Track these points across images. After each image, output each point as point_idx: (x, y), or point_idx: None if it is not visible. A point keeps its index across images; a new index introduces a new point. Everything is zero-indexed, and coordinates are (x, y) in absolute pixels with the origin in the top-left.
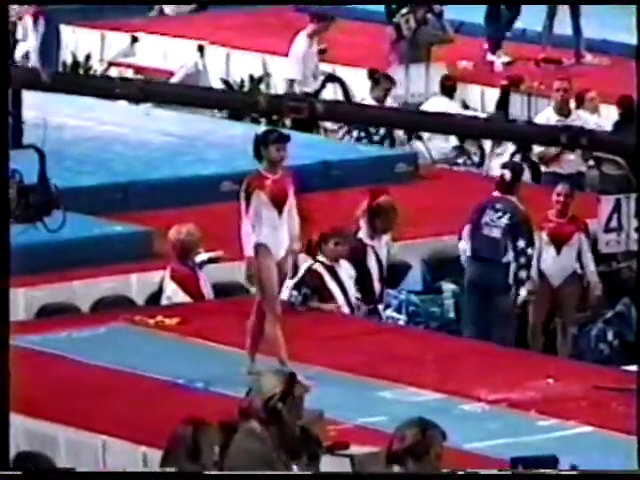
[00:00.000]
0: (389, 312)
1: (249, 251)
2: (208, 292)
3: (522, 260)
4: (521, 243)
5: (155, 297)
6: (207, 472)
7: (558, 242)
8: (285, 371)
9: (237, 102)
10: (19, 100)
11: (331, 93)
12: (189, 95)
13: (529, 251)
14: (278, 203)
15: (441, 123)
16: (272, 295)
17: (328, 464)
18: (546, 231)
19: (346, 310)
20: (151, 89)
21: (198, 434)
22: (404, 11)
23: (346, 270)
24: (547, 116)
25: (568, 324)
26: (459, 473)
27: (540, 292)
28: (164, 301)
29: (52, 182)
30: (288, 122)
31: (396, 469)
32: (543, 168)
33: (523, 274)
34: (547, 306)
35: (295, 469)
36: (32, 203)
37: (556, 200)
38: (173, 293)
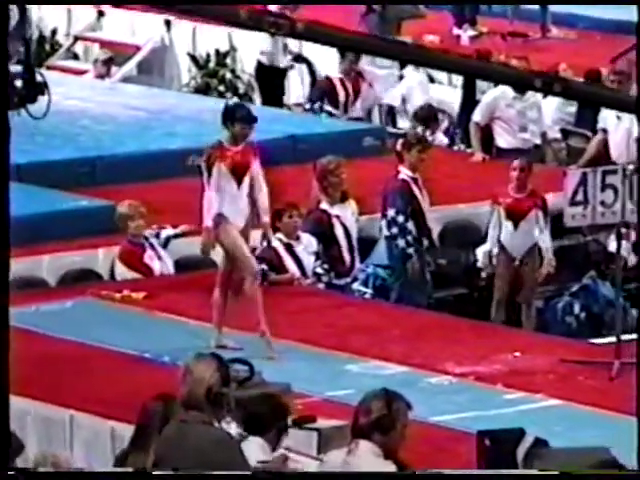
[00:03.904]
0: (356, 285)
1: (208, 221)
2: (160, 266)
3: (394, 230)
4: (391, 212)
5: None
6: (206, 473)
7: (515, 217)
8: (212, 355)
9: (217, 10)
10: None
11: (297, 72)
12: (182, 3)
13: (400, 219)
14: (238, 174)
15: (418, 54)
16: (243, 254)
17: (295, 438)
18: (503, 206)
19: (304, 282)
20: None
21: (170, 410)
22: None
23: (306, 245)
24: (503, 90)
25: (531, 297)
26: (460, 473)
27: (502, 266)
28: (117, 278)
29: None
30: (257, 99)
31: (362, 442)
32: (501, 142)
33: (401, 243)
34: (510, 280)
35: (261, 443)
36: (17, 90)
37: (513, 175)
38: (120, 270)
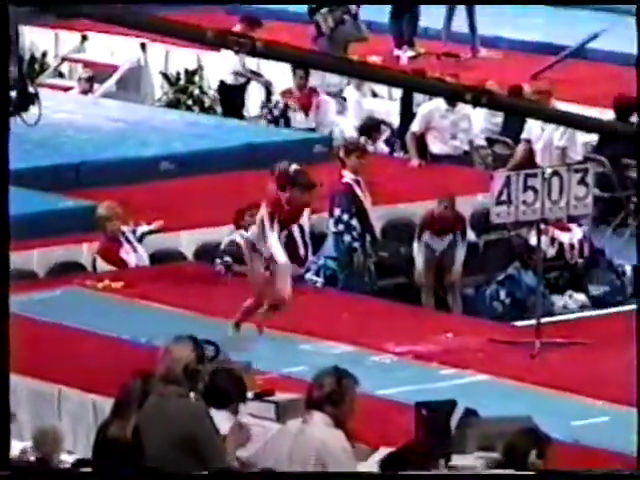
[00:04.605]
0: (309, 275)
1: (281, 259)
2: (136, 258)
3: (340, 227)
4: (337, 211)
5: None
6: (207, 472)
7: (441, 234)
8: (188, 337)
9: (186, 32)
10: None
11: (257, 89)
12: (145, 22)
13: (345, 217)
14: (282, 227)
15: (363, 70)
16: (257, 282)
17: (255, 409)
18: (429, 233)
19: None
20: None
21: (147, 385)
22: (323, 11)
23: None
24: (436, 104)
25: (454, 284)
26: (460, 473)
27: (426, 259)
28: (98, 270)
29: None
30: (218, 110)
31: (315, 413)
32: (434, 149)
33: (347, 238)
34: (434, 271)
35: (226, 414)
36: (11, 100)
37: (437, 210)
38: (99, 263)
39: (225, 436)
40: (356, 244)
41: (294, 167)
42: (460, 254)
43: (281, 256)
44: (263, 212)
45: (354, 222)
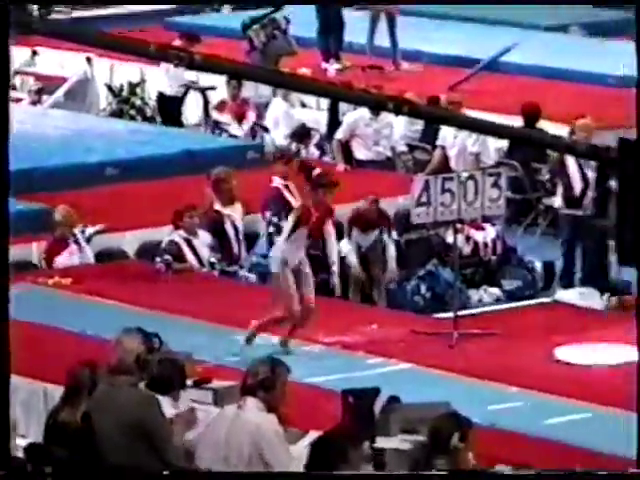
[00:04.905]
0: (242, 272)
1: (275, 268)
2: (79, 259)
3: (271, 229)
4: (268, 214)
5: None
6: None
7: (366, 230)
8: (137, 329)
9: (131, 46)
10: None
11: (194, 99)
12: (93, 37)
13: (275, 220)
14: (314, 236)
15: (293, 81)
16: (290, 300)
17: (195, 396)
18: (356, 226)
19: (201, 270)
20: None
21: (95, 374)
22: (255, 27)
23: (202, 239)
24: (361, 114)
25: (380, 280)
26: (461, 474)
27: (353, 255)
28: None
29: None
30: (159, 119)
31: (249, 399)
32: (359, 155)
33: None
34: (361, 266)
35: (169, 400)
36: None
37: (362, 207)
38: (44, 262)
39: (172, 419)
40: None
41: (317, 171)
42: (391, 252)
43: (278, 260)
44: (291, 220)
45: (283, 223)
